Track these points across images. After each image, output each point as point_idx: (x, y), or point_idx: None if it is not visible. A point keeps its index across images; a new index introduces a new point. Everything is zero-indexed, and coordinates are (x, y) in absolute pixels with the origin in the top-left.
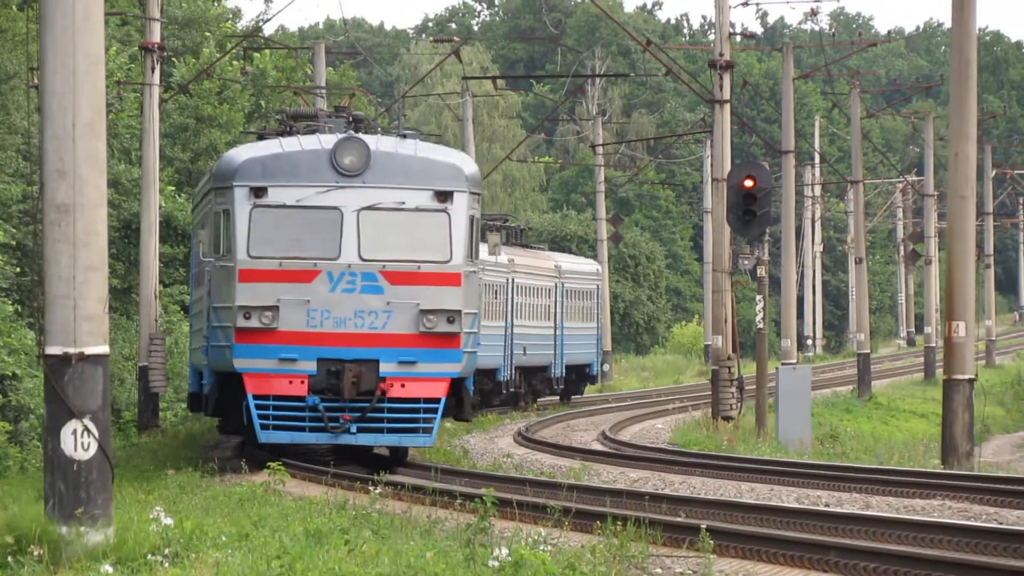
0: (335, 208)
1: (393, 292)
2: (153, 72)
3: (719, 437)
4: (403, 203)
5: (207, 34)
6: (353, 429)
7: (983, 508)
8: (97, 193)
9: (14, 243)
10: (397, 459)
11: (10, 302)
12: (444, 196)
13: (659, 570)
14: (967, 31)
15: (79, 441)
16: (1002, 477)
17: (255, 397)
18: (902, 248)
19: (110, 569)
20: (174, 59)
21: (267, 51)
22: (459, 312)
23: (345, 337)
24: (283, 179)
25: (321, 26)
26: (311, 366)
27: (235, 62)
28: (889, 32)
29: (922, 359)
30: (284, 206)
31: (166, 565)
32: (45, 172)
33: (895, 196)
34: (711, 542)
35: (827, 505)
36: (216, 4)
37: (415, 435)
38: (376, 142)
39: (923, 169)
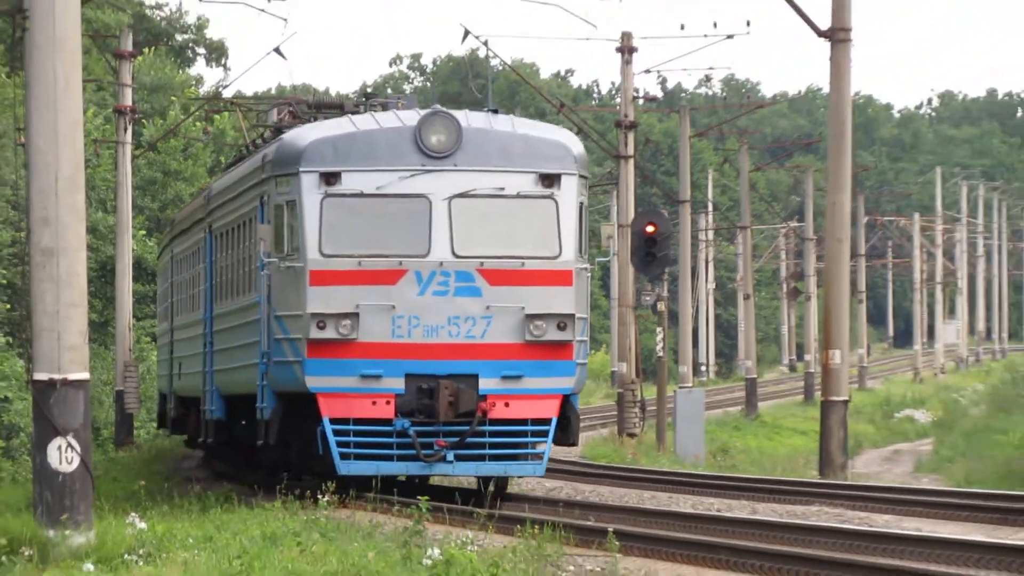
0: (422, 196)
1: (493, 294)
2: (126, 132)
3: (624, 451)
4: (502, 189)
5: (173, 98)
6: (450, 457)
7: (855, 513)
8: (77, 239)
9: (5, 282)
10: (496, 491)
11: (1, 334)
12: (550, 180)
13: (572, 568)
14: (843, 95)
15: (63, 456)
16: (872, 486)
17: (332, 421)
18: (785, 285)
19: (92, 567)
20: (144, 120)
21: (226, 113)
22: (571, 317)
23: (437, 348)
24: (359, 163)
25: (274, 91)
26: (398, 383)
27: (198, 123)
28: (774, 95)
29: (802, 383)
30: (361, 195)
31: (141, 564)
32: (31, 220)
33: (779, 240)
34: (617, 543)
35: (719, 511)
36: (181, 72)
37: (523, 463)
38: (466, 118)
39: (804, 216)
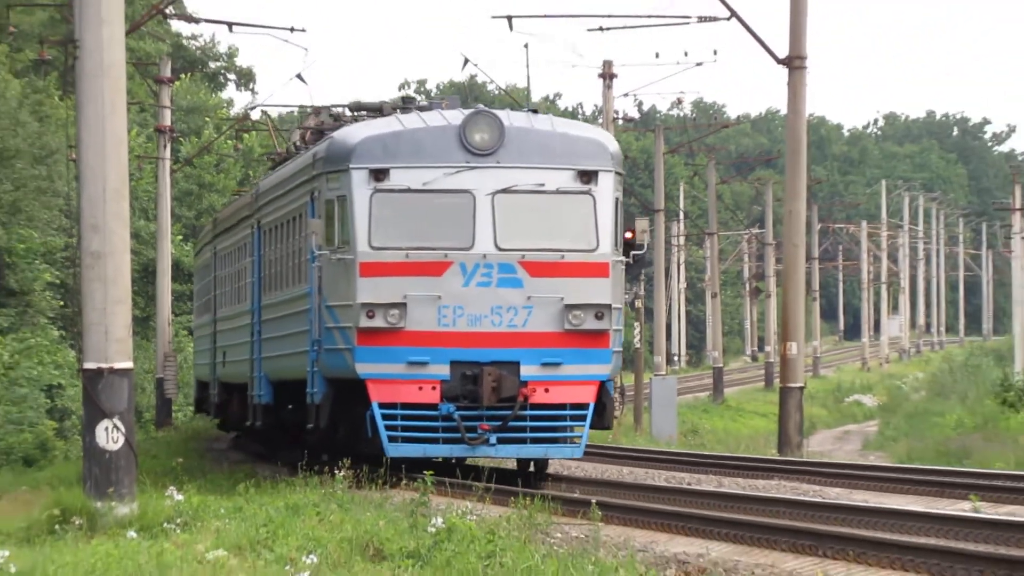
0: (466, 192)
1: (534, 285)
2: (165, 149)
3: (605, 432)
4: (542, 185)
5: (207, 119)
6: (493, 440)
7: (810, 486)
8: (122, 243)
9: (59, 282)
10: (536, 472)
11: (56, 328)
12: (588, 176)
13: (559, 535)
14: (799, 116)
15: (110, 436)
16: (825, 462)
17: (381, 406)
18: (747, 285)
19: (135, 535)
20: (181, 138)
21: (254, 132)
22: (608, 307)
23: (481, 337)
24: (406, 160)
25: (296, 112)
26: (443, 370)
27: (229, 141)
28: (738, 116)
29: (763, 371)
30: (409, 190)
31: (178, 531)
32: (82, 226)
33: (742, 244)
34: (599, 513)
35: (689, 484)
36: (214, 95)
37: (562, 446)
38: (508, 117)
39: (764, 223)
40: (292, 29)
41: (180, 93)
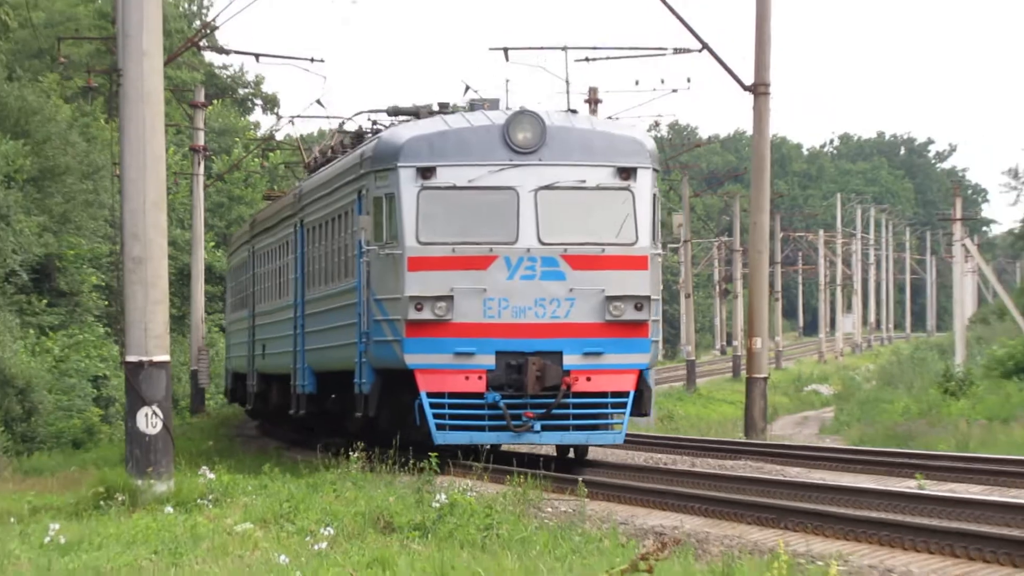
0: (510, 188)
1: (576, 278)
2: (199, 166)
3: None
4: (583, 181)
5: (236, 139)
6: (537, 427)
7: (773, 466)
8: (161, 250)
9: (104, 284)
10: (577, 458)
11: (101, 325)
12: (627, 173)
13: (550, 510)
14: (763, 137)
15: (149, 421)
16: (786, 445)
17: (429, 395)
18: (717, 287)
19: (171, 510)
20: (213, 156)
21: (278, 151)
22: (647, 298)
23: (525, 328)
24: (452, 158)
25: (316, 134)
26: (489, 360)
27: (256, 159)
28: (709, 137)
29: (731, 363)
30: (455, 187)
31: (210, 507)
32: (124, 235)
33: (713, 251)
34: (586, 490)
35: (666, 464)
36: (242, 118)
37: (604, 432)
38: (550, 116)
39: (732, 232)
40: (312, 59)
41: (212, 116)
